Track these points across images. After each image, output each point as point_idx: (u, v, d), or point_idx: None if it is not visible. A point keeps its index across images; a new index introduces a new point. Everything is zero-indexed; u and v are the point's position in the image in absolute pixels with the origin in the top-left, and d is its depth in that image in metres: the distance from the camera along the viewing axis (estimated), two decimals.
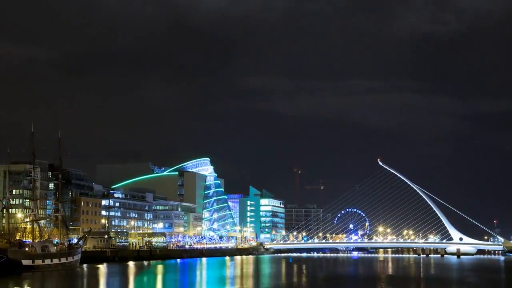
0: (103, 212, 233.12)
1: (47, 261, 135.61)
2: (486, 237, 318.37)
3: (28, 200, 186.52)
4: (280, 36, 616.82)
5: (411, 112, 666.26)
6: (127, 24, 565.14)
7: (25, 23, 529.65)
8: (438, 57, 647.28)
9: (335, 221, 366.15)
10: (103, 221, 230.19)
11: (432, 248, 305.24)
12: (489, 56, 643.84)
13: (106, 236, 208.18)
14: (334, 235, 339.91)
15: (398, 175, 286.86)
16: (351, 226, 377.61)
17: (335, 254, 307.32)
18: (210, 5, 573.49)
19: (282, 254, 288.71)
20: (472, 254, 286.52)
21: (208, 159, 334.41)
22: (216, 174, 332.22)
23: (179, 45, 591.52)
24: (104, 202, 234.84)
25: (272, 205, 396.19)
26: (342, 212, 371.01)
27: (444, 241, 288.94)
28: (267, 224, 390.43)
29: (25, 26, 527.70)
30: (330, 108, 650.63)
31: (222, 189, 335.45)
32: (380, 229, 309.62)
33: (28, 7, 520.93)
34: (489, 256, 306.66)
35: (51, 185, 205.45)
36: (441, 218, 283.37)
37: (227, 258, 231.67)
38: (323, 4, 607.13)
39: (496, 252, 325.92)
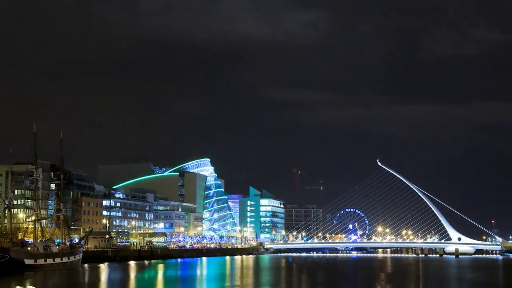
0: (104, 212, 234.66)
1: (49, 261, 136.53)
2: (484, 237, 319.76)
3: (30, 200, 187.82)
4: (290, 54, 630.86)
5: (410, 118, 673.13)
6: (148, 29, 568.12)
7: (28, 26, 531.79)
8: (446, 75, 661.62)
9: (334, 221, 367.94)
10: (104, 221, 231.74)
11: (430, 248, 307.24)
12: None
13: (107, 236, 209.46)
14: (333, 235, 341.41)
15: (397, 175, 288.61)
16: (350, 226, 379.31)
17: (335, 254, 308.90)
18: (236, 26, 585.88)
19: (282, 254, 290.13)
20: (471, 254, 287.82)
21: (209, 159, 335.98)
22: (216, 175, 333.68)
23: (179, 52, 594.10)
24: (105, 202, 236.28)
25: (272, 205, 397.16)
26: (342, 212, 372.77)
27: (443, 241, 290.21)
28: (267, 224, 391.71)
29: (28, 30, 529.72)
30: (331, 115, 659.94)
31: (223, 190, 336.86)
32: (379, 229, 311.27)
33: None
34: (487, 256, 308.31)
35: (53, 186, 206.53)
36: (440, 218, 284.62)
37: (227, 257, 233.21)
38: (346, 31, 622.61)
39: (494, 252, 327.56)
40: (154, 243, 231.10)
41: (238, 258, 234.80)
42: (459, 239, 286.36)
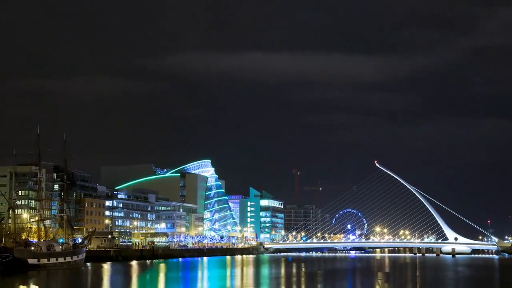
0: (107, 213, 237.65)
1: (53, 260, 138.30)
2: (480, 237, 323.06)
3: (33, 201, 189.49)
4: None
5: (409, 122, 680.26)
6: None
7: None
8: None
9: (333, 222, 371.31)
10: (106, 221, 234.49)
11: (428, 247, 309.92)
12: None
13: (109, 236, 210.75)
14: (332, 235, 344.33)
15: (395, 176, 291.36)
16: (348, 226, 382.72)
17: (333, 254, 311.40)
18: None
19: (282, 254, 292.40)
20: (467, 254, 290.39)
21: (209, 160, 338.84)
22: (217, 176, 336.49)
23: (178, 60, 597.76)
24: (107, 203, 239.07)
25: (271, 206, 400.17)
26: (340, 212, 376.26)
27: (440, 240, 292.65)
28: (267, 224, 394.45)
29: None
30: (331, 121, 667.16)
31: (223, 190, 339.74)
32: (377, 229, 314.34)
33: None
34: (483, 255, 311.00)
35: (56, 186, 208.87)
36: (437, 218, 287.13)
37: (228, 257, 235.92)
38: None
39: (490, 251, 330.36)
40: (155, 243, 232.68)
41: (238, 257, 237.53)
42: (456, 239, 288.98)
